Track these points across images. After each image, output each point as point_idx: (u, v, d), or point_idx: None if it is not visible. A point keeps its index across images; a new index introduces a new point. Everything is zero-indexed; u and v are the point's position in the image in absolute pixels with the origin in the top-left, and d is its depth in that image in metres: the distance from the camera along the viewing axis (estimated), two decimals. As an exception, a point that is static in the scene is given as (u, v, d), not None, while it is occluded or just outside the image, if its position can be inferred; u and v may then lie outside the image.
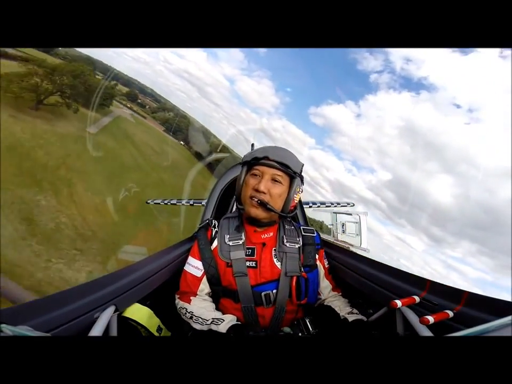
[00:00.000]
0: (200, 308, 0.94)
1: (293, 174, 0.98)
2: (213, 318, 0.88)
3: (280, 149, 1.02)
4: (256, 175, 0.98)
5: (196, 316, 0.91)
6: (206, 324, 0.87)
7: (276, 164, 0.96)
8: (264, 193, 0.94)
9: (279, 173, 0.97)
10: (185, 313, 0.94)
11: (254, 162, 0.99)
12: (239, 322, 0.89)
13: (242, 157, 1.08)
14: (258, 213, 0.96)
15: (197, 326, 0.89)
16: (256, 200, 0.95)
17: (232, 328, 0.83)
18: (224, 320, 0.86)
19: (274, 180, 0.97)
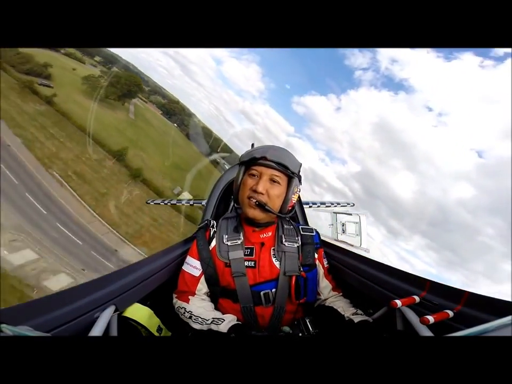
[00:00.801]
0: (199, 307, 0.94)
1: (291, 175, 0.98)
2: (213, 318, 0.87)
3: (278, 149, 1.01)
4: (254, 175, 0.97)
5: (195, 316, 0.90)
6: (205, 324, 0.87)
7: (274, 164, 0.95)
8: (262, 194, 0.94)
9: (277, 173, 0.96)
10: (184, 313, 0.93)
11: (251, 162, 0.98)
12: (240, 322, 0.89)
13: (240, 156, 1.07)
14: (256, 213, 0.96)
15: (196, 326, 0.88)
16: (254, 201, 0.94)
17: (233, 328, 0.82)
18: (224, 320, 0.85)
19: (272, 181, 0.96)
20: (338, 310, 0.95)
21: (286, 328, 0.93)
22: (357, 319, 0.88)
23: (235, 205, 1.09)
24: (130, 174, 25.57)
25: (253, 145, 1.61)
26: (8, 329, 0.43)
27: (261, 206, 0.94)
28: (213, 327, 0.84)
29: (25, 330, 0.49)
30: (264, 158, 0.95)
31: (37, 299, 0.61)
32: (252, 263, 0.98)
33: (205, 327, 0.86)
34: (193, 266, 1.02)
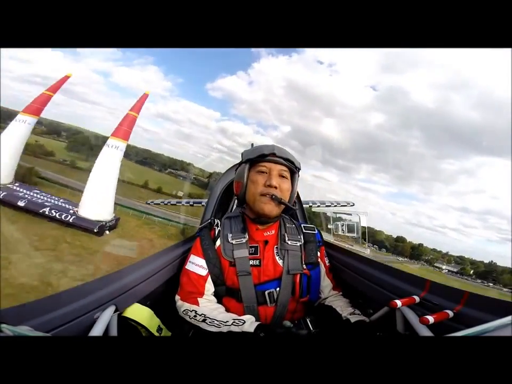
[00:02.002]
0: (213, 310, 0.90)
1: (295, 170, 1.03)
2: (233, 319, 0.84)
3: (280, 147, 1.05)
4: (263, 171, 0.99)
5: (210, 319, 0.86)
6: (224, 325, 0.83)
7: (282, 160, 0.99)
8: (276, 188, 0.96)
9: (285, 168, 1.00)
10: (195, 316, 0.89)
11: (259, 159, 1.00)
12: (261, 322, 0.86)
13: (243, 155, 1.07)
14: (271, 208, 0.97)
15: (213, 329, 0.84)
16: (269, 196, 0.96)
17: (258, 327, 0.79)
18: (245, 321, 0.82)
19: (281, 176, 0.99)
20: (337, 309, 0.96)
21: (287, 323, 0.92)
22: (353, 318, 0.89)
23: (239, 204, 1.08)
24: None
25: (252, 145, 1.61)
26: (8, 329, 0.43)
27: (277, 200, 0.96)
28: (234, 328, 0.80)
29: (25, 330, 0.49)
30: (273, 155, 0.99)
31: (37, 299, 0.61)
32: (257, 262, 0.98)
33: (224, 329, 0.82)
34: (199, 265, 0.99)
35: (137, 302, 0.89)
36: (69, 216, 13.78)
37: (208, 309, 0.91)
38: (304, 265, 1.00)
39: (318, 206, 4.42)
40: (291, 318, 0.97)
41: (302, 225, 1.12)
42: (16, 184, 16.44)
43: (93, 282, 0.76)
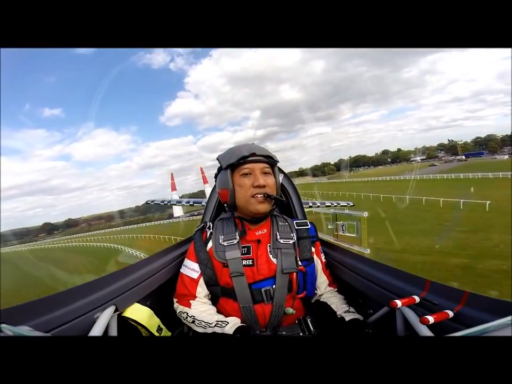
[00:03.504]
0: (202, 312, 0.94)
1: (274, 163, 1.05)
2: (216, 321, 0.88)
3: (256, 145, 1.06)
4: (246, 174, 0.99)
5: (198, 320, 0.91)
6: (209, 327, 0.87)
7: (263, 158, 1.01)
8: (264, 186, 0.97)
9: (267, 165, 1.02)
10: (186, 318, 0.94)
11: (241, 162, 0.99)
12: (244, 324, 0.89)
13: (221, 161, 1.05)
14: (266, 206, 0.99)
15: (200, 330, 0.89)
16: (260, 196, 0.96)
17: (238, 329, 0.83)
18: (228, 323, 0.86)
19: (264, 173, 1.00)
20: (332, 306, 0.97)
21: (290, 310, 0.93)
22: (348, 317, 0.90)
23: (231, 210, 1.08)
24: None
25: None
26: (8, 329, 0.43)
27: (269, 197, 0.97)
28: (217, 330, 0.85)
29: (25, 331, 0.49)
30: (254, 154, 0.99)
31: (37, 299, 0.61)
32: (250, 262, 0.98)
33: (209, 331, 0.87)
34: (191, 268, 1.01)
35: (137, 302, 0.89)
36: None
37: (198, 311, 0.94)
38: (299, 262, 1.00)
39: (318, 207, 4.42)
40: (292, 318, 0.97)
41: (295, 221, 1.11)
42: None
43: (93, 282, 0.76)
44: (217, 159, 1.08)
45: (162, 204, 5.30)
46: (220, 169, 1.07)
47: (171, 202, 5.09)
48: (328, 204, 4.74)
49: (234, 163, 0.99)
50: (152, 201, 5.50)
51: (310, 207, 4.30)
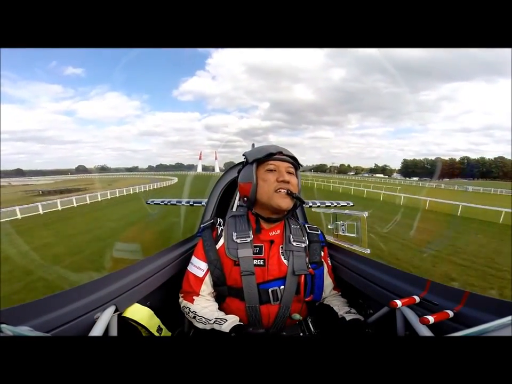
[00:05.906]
0: (204, 308, 0.95)
1: (298, 166, 1.07)
2: (216, 318, 0.88)
3: (281, 146, 1.08)
4: (271, 169, 1.01)
5: (199, 316, 0.92)
6: (208, 324, 0.88)
7: (288, 158, 1.03)
8: (288, 182, 0.99)
9: (291, 165, 1.04)
10: (188, 312, 0.96)
11: (266, 158, 1.02)
12: (242, 323, 0.89)
13: (247, 155, 1.07)
14: (288, 203, 0.99)
15: (200, 325, 0.91)
16: (283, 191, 0.98)
17: (234, 328, 0.83)
18: (227, 320, 0.87)
19: (288, 173, 1.02)
20: (334, 308, 0.98)
21: (296, 316, 0.94)
22: (348, 317, 0.91)
23: (250, 204, 1.04)
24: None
25: (253, 145, 1.61)
26: (8, 329, 0.43)
27: (291, 195, 0.98)
28: (216, 326, 0.85)
29: (25, 331, 0.49)
30: (280, 153, 1.02)
31: (37, 299, 0.61)
32: (261, 262, 0.98)
33: (208, 327, 0.88)
34: (197, 267, 1.02)
35: (137, 302, 0.89)
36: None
37: (200, 307, 0.96)
38: (309, 265, 1.01)
39: (318, 206, 4.41)
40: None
41: (306, 225, 1.14)
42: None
43: (93, 282, 0.76)
44: (243, 155, 1.11)
45: (162, 204, 5.31)
46: (244, 165, 1.09)
47: (171, 202, 5.09)
48: (328, 203, 4.74)
49: (261, 158, 1.01)
50: (152, 201, 5.50)
51: (310, 207, 4.29)
